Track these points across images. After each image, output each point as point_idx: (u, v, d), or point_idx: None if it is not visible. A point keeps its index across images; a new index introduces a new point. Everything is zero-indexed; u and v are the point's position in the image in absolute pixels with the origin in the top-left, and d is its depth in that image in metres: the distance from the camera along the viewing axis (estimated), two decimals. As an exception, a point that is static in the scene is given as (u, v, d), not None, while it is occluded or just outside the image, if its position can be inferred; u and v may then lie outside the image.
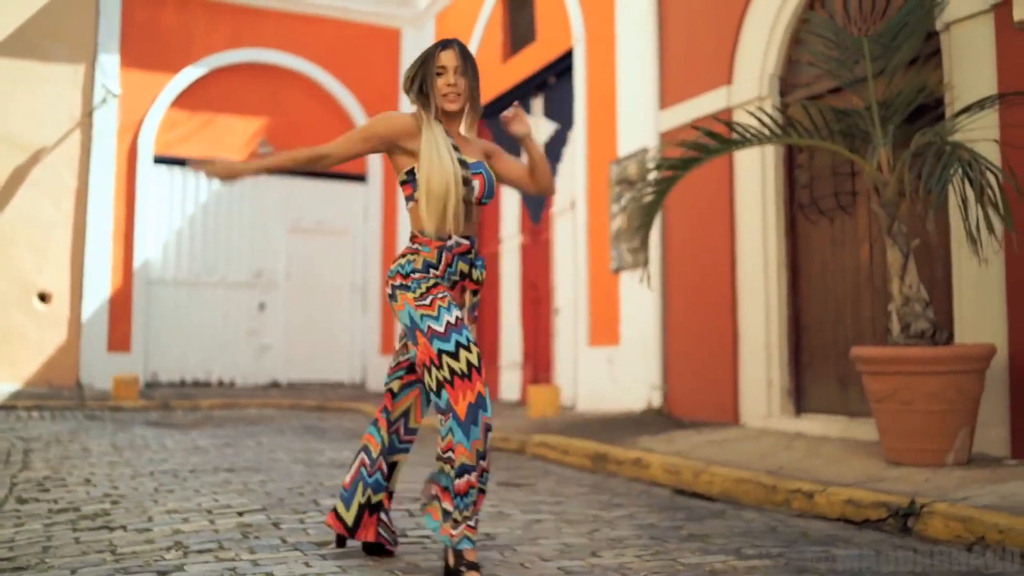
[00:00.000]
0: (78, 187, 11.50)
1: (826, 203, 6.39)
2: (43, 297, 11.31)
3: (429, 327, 2.88)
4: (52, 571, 2.97)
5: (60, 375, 11.35)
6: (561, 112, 9.98)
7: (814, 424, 6.34)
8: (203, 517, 3.83)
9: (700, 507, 4.55)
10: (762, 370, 6.77)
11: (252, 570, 2.94)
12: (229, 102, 12.48)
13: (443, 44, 3.06)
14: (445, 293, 2.96)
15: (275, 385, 12.65)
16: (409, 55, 13.23)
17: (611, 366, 8.54)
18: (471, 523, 2.83)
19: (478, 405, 2.82)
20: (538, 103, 10.57)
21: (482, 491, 2.90)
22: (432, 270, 2.98)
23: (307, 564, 3.01)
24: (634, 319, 8.22)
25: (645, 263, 5.53)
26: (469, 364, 2.84)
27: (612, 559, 3.19)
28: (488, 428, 2.85)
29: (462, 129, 3.17)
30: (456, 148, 3.04)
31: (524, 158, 3.24)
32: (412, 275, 2.97)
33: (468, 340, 2.88)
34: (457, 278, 3.04)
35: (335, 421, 9.46)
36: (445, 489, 2.85)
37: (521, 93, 10.72)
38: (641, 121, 8.12)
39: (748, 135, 5.23)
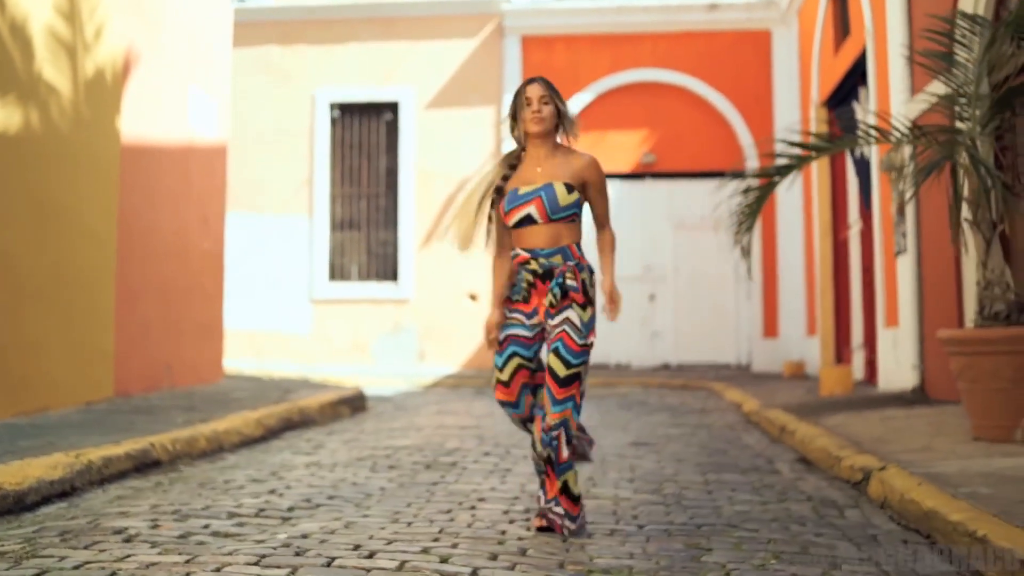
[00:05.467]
0: (495, 206, 14.15)
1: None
2: (472, 297, 14.13)
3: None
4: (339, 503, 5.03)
5: (488, 360, 14.08)
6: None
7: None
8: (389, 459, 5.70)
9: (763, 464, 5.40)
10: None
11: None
12: (615, 121, 14.30)
13: (529, 80, 3.66)
14: (514, 312, 3.59)
15: (666, 367, 14.22)
16: (780, 54, 13.96)
17: (895, 348, 8.86)
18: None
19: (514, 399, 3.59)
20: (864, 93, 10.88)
21: (547, 472, 3.55)
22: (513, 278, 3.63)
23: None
24: (906, 301, 8.51)
25: (747, 256, 6.29)
26: (499, 380, 3.61)
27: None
28: (546, 426, 3.51)
29: (558, 141, 3.67)
30: (514, 176, 3.63)
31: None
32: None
33: (503, 362, 3.56)
34: (526, 288, 3.57)
35: (675, 398, 10.82)
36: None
37: (850, 84, 11.11)
38: (900, 110, 8.39)
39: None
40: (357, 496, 4.20)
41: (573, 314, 3.51)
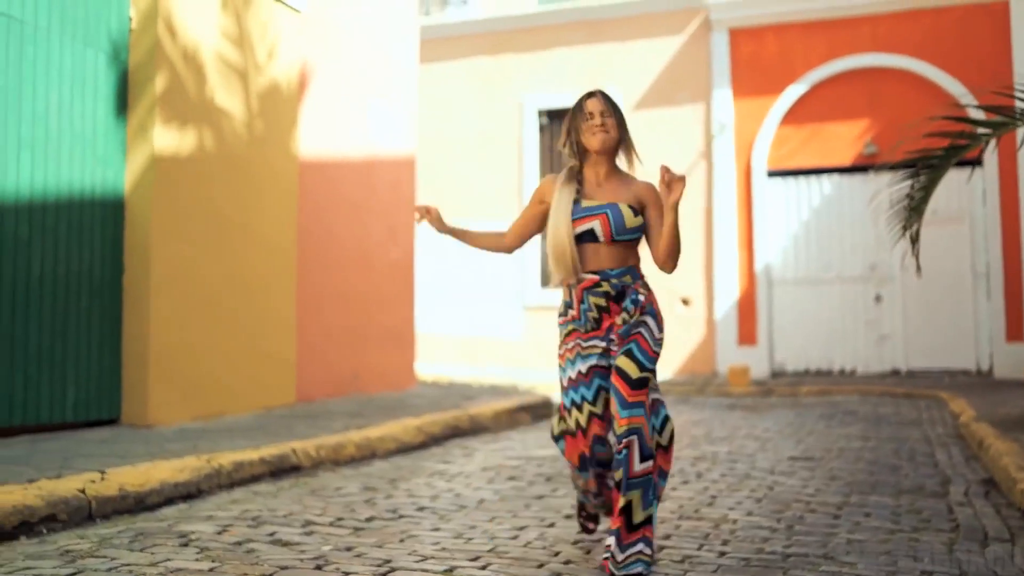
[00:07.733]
0: (705, 206, 13.69)
1: None
2: (685, 302, 13.73)
3: (562, 378, 3.34)
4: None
5: (701, 366, 13.66)
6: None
7: None
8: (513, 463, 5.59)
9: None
10: None
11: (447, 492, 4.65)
12: (833, 112, 13.44)
13: (588, 94, 3.37)
14: (576, 343, 3.30)
15: (895, 373, 13.17)
16: (1019, 26, 12.60)
17: None
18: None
19: (584, 462, 3.31)
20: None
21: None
22: (570, 310, 3.33)
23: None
24: None
25: (916, 244, 5.64)
26: (577, 424, 3.26)
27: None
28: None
29: (618, 166, 3.41)
30: (577, 192, 3.30)
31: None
32: (561, 317, 3.41)
33: (582, 399, 3.24)
34: (595, 314, 3.27)
35: (890, 408, 9.99)
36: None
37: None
38: None
39: None
40: (448, 508, 4.09)
41: (650, 320, 3.29)
